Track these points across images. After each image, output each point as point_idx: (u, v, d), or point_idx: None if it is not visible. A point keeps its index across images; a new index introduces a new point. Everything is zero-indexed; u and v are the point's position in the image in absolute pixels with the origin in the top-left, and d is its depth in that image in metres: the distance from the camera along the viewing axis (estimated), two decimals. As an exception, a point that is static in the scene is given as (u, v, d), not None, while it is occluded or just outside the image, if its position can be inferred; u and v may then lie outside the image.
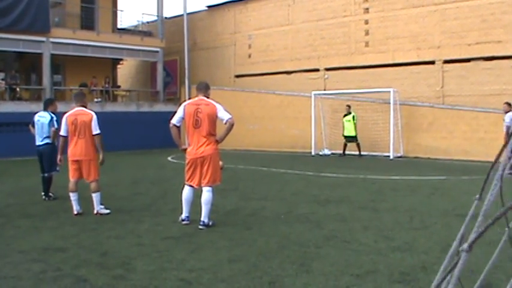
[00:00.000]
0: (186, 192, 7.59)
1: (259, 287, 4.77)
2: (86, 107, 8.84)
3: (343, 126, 20.69)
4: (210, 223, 7.46)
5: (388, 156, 19.41)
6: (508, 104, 14.56)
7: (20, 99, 23.31)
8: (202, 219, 7.37)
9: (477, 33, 19.05)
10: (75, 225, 7.71)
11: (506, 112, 14.43)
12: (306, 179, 13.55)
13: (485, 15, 18.84)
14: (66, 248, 6.32)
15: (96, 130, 8.60)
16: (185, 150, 7.58)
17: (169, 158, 19.88)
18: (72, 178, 8.65)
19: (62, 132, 8.74)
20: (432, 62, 20.26)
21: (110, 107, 25.18)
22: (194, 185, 7.53)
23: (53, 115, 10.29)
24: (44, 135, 10.24)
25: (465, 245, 1.62)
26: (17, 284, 4.93)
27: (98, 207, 8.66)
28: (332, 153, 21.29)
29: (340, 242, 6.51)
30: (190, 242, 6.56)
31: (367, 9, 22.12)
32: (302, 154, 21.50)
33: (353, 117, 20.41)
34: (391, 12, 21.33)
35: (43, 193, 10.33)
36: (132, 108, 25.95)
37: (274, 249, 6.17)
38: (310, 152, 21.47)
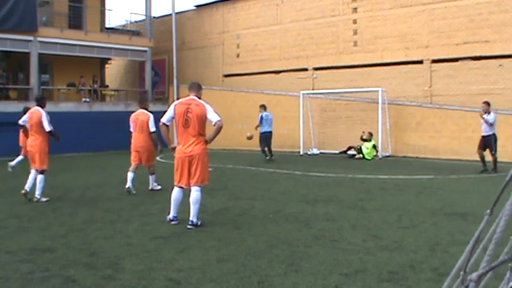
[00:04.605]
0: (176, 193, 7.58)
1: (248, 287, 4.77)
2: (146, 109, 11.26)
3: (361, 147, 19.61)
4: (199, 223, 7.45)
5: (377, 155, 19.46)
6: (487, 103, 14.00)
7: (7, 98, 23.10)
8: (190, 218, 7.36)
9: (465, 33, 19.18)
10: (63, 225, 7.66)
11: (486, 112, 13.84)
12: (295, 178, 13.56)
13: (472, 15, 18.97)
14: (55, 248, 6.28)
15: (152, 128, 10.91)
16: (174, 149, 7.59)
17: (157, 158, 19.77)
18: (133, 162, 11.12)
19: (131, 129, 11.26)
20: (420, 62, 20.36)
21: (98, 107, 25.04)
22: (183, 186, 7.52)
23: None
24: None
25: (474, 275, 1.39)
26: (4, 285, 4.88)
27: (152, 185, 11.21)
28: (321, 153, 21.33)
29: (328, 241, 6.53)
30: (179, 242, 6.54)
31: (356, 8, 22.19)
32: (291, 153, 21.51)
33: (373, 145, 19.46)
34: (380, 12, 21.41)
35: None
36: (120, 107, 25.76)
37: (263, 248, 6.17)
38: (299, 152, 21.50)
